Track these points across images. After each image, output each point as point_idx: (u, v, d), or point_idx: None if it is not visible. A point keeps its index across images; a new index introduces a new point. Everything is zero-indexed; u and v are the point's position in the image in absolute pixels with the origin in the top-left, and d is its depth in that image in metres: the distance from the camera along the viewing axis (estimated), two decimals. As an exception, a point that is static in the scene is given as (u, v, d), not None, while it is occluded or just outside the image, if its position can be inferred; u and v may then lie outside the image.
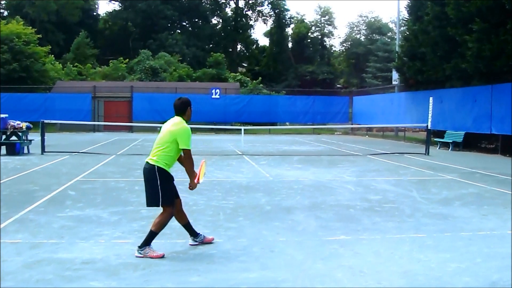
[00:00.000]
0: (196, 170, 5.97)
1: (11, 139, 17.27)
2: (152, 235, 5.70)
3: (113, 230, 6.83)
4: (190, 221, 6.20)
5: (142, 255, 5.59)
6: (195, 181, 5.86)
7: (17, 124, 17.27)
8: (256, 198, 9.48)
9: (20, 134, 17.34)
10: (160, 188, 5.67)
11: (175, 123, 5.83)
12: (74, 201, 8.89)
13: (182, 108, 5.91)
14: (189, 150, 5.78)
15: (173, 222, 6.78)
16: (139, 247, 5.66)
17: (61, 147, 19.59)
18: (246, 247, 6.11)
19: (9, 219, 7.32)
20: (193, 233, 6.14)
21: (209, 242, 6.20)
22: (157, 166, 5.71)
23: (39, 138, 17.64)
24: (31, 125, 18.21)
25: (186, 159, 5.85)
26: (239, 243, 6.28)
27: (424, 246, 6.20)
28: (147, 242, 5.67)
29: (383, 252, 5.94)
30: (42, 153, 17.02)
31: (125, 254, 5.71)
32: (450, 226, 7.31)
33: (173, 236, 6.46)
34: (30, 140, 17.95)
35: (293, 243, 6.29)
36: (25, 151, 17.52)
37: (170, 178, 5.85)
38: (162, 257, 5.59)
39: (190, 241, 6.14)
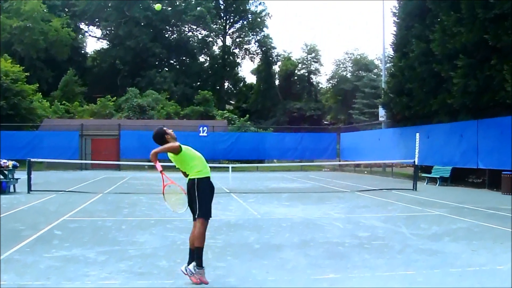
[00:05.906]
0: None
1: (-3, 177, 17.13)
2: (200, 252, 5.91)
3: (100, 270, 6.71)
4: (178, 261, 6.13)
5: (194, 274, 5.84)
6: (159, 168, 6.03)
7: (4, 162, 17.15)
8: (245, 236, 9.40)
9: (6, 172, 17.20)
10: (197, 200, 6.07)
11: None
12: (61, 240, 8.75)
13: (161, 141, 6.56)
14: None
15: (161, 262, 6.74)
16: (197, 265, 5.86)
17: (48, 185, 19.39)
18: (235, 286, 6.03)
19: (-7, 260, 7.18)
20: (191, 261, 6.12)
21: (196, 283, 5.96)
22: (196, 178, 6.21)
23: (26, 176, 17.49)
24: (17, 163, 18.05)
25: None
26: (228, 283, 6.20)
27: (415, 283, 6.15)
28: (200, 262, 5.89)
29: (374, 290, 5.89)
30: (28, 192, 16.84)
31: (112, 295, 5.61)
32: (440, 262, 7.28)
33: (161, 275, 6.37)
34: (17, 179, 17.78)
35: (283, 282, 6.22)
36: (12, 189, 17.34)
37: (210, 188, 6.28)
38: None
39: (182, 267, 6.15)
